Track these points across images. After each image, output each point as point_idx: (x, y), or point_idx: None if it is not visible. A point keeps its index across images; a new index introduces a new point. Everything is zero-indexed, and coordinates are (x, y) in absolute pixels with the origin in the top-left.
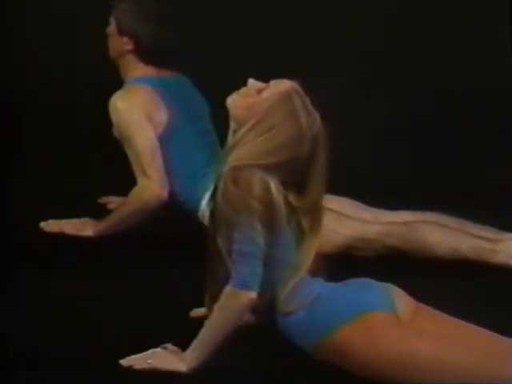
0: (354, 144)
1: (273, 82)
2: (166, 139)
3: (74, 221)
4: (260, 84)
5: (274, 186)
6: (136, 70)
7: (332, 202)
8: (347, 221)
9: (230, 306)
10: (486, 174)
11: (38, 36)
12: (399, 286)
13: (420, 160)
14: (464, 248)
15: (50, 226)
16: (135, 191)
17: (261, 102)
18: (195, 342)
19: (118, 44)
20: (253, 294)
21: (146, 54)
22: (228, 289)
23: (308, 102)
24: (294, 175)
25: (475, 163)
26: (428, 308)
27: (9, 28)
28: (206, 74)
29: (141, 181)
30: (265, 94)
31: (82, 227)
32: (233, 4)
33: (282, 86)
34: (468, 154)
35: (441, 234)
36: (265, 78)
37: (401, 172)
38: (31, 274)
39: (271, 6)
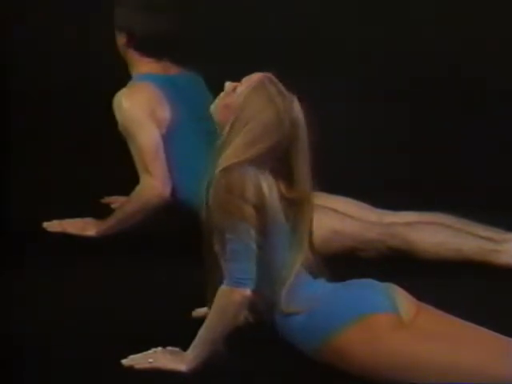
0: (353, 144)
1: (245, 78)
2: (169, 137)
3: (77, 220)
4: (235, 83)
5: (266, 186)
6: (141, 66)
7: (336, 202)
8: (351, 221)
9: (224, 304)
10: (490, 174)
11: (37, 38)
12: (401, 286)
13: (421, 160)
14: (467, 249)
15: (53, 225)
16: (137, 190)
17: (236, 99)
18: (194, 342)
19: (119, 40)
20: (246, 292)
21: (142, 47)
22: (222, 288)
23: (282, 87)
24: (281, 163)
25: (477, 163)
26: (429, 308)
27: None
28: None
29: (143, 179)
30: (238, 89)
31: (85, 227)
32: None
33: (254, 77)
34: (470, 153)
35: (444, 234)
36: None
37: (401, 172)
38: (31, 274)
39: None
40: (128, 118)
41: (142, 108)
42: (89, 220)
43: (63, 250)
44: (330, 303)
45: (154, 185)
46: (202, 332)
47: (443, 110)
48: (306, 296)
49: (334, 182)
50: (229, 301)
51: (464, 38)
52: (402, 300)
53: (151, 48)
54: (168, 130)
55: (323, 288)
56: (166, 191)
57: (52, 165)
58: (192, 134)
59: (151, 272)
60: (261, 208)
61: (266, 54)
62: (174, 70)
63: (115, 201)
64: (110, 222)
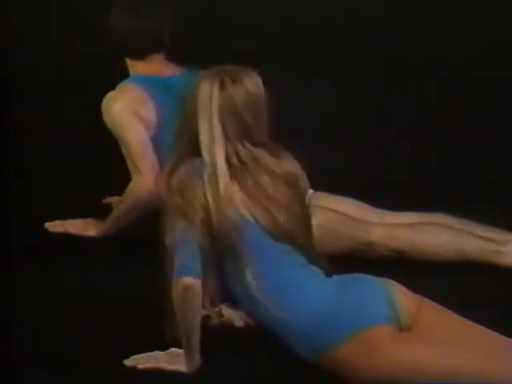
0: (353, 144)
1: None
2: (159, 138)
3: (79, 221)
4: None
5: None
6: (135, 67)
7: (337, 202)
8: (352, 222)
9: (175, 298)
10: (491, 174)
11: (37, 38)
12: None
13: (421, 160)
14: (469, 249)
15: (55, 226)
16: (129, 188)
17: None
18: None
19: None
20: (187, 281)
21: (122, 50)
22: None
23: (219, 73)
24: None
25: (479, 163)
26: (429, 303)
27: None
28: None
29: (134, 177)
30: None
31: (86, 227)
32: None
33: None
34: (472, 153)
35: (446, 235)
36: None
37: (401, 172)
38: (31, 273)
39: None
40: (114, 119)
41: (126, 108)
42: (90, 220)
43: (63, 250)
44: (330, 309)
45: (143, 182)
46: (180, 333)
47: (443, 109)
48: (306, 295)
49: (333, 182)
50: (176, 293)
51: (463, 37)
52: (401, 297)
53: (129, 49)
54: (157, 131)
55: (324, 288)
56: (156, 187)
57: (52, 165)
58: None
59: (151, 272)
60: (208, 216)
61: (266, 53)
62: (170, 71)
63: (116, 201)
64: (108, 222)
